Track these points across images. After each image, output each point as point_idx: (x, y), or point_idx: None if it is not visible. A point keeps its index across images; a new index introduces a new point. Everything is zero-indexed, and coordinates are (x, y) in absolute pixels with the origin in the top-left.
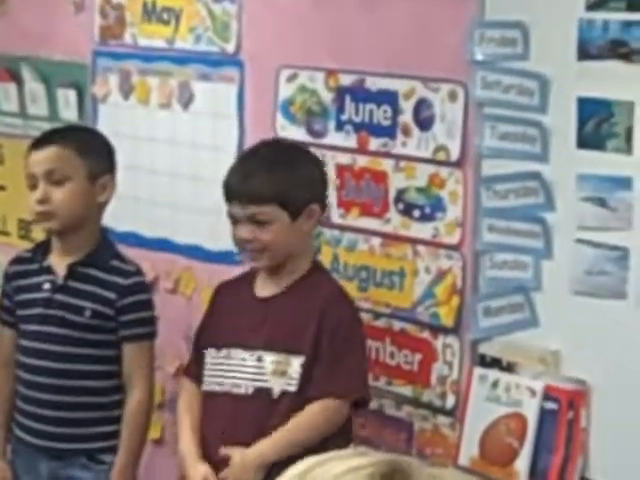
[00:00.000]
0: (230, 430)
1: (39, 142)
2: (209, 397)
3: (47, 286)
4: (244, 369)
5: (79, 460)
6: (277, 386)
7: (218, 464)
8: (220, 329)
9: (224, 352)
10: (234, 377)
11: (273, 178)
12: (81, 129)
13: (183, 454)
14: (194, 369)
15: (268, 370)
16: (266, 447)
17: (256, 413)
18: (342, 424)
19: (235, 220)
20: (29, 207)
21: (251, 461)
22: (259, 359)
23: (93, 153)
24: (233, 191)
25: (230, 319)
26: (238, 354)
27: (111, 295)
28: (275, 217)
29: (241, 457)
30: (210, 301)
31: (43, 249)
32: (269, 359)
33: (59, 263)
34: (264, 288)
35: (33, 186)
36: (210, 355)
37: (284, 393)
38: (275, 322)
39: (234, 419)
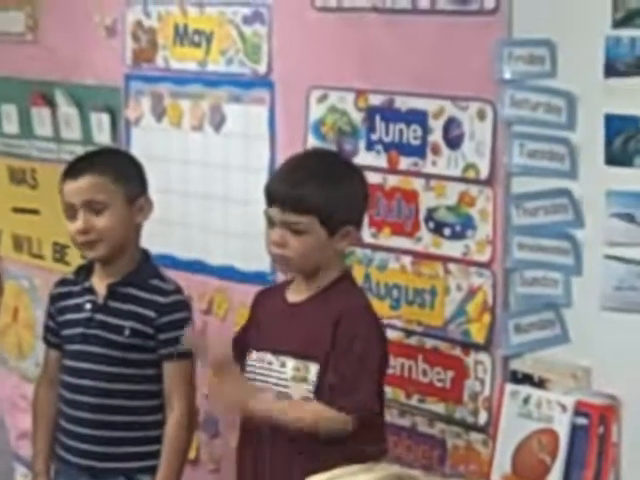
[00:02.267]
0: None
1: (74, 171)
2: None
3: (88, 306)
4: (270, 373)
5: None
6: (297, 392)
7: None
8: (255, 333)
9: (257, 355)
10: (261, 381)
11: (319, 192)
12: (112, 152)
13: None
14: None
15: (288, 376)
16: (264, 399)
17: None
18: (345, 436)
19: (271, 222)
20: (70, 236)
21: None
22: (282, 364)
23: (128, 177)
24: (277, 195)
25: (263, 324)
26: (267, 358)
27: (150, 313)
28: (311, 229)
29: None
30: (250, 308)
31: (86, 271)
32: (290, 365)
33: (100, 284)
34: (294, 293)
35: (72, 215)
36: (248, 358)
37: (304, 399)
38: (298, 327)
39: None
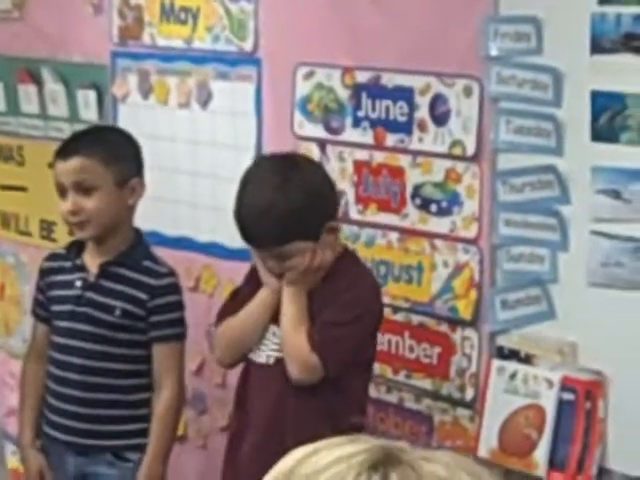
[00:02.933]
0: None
1: (64, 151)
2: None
3: (79, 283)
4: (266, 341)
5: (105, 457)
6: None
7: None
8: None
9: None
10: (261, 349)
11: (296, 221)
12: (107, 131)
13: None
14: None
15: None
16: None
17: (277, 382)
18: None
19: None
20: (61, 214)
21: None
22: (274, 334)
23: (119, 159)
24: (252, 240)
25: None
26: (270, 329)
27: (142, 295)
28: (299, 248)
29: None
30: (246, 277)
31: (77, 247)
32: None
33: (92, 262)
34: None
35: (62, 194)
36: None
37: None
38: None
39: (260, 385)
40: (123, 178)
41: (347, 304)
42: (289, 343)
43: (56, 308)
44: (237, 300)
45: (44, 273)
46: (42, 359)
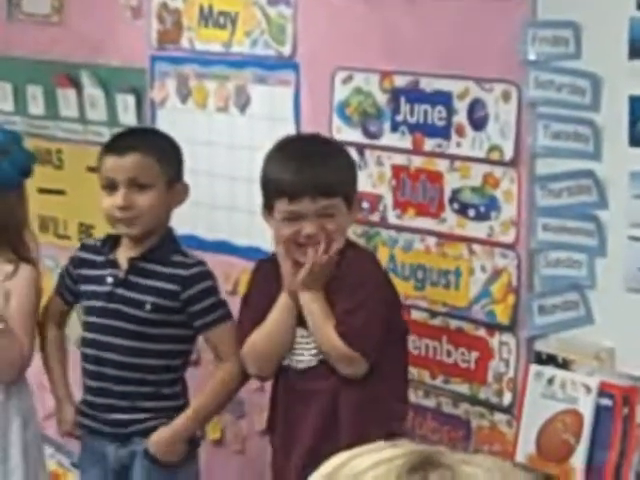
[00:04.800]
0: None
1: (119, 147)
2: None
3: (110, 280)
4: (305, 346)
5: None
6: None
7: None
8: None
9: None
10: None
11: (336, 170)
12: (156, 134)
13: None
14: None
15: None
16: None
17: (323, 381)
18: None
19: (294, 217)
20: (105, 210)
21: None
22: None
23: (170, 160)
24: (301, 187)
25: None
26: (299, 331)
27: (174, 287)
28: (340, 208)
29: None
30: (252, 277)
31: (112, 242)
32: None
33: (123, 257)
34: None
35: (111, 189)
36: None
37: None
38: None
39: (303, 393)
40: (172, 180)
41: (353, 287)
42: (325, 343)
43: (87, 303)
44: (252, 307)
45: (76, 263)
46: (61, 327)
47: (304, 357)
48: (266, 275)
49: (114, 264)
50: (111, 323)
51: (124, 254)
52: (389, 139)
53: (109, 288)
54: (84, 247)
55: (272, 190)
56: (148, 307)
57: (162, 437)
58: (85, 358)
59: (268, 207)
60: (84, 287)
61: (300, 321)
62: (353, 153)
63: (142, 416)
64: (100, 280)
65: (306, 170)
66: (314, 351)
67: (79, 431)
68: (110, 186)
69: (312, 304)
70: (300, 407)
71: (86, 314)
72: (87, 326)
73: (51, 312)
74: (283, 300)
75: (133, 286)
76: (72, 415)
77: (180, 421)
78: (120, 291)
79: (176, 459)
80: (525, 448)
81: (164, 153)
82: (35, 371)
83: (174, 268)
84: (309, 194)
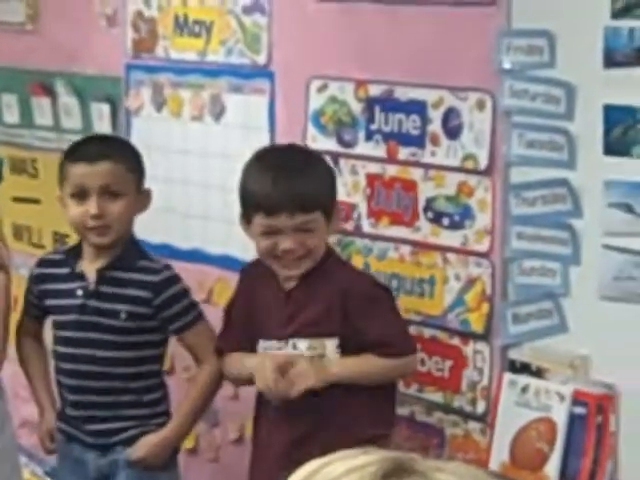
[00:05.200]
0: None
1: (90, 155)
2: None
3: (80, 292)
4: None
5: (123, 459)
6: None
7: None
8: (255, 322)
9: (261, 344)
10: None
11: (314, 182)
12: (122, 142)
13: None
14: (229, 342)
15: (306, 355)
16: (340, 362)
17: (304, 397)
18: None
19: (272, 231)
20: (74, 218)
21: (322, 367)
22: (294, 346)
23: (137, 167)
24: (277, 201)
25: (261, 313)
26: (274, 345)
27: (146, 294)
28: (319, 222)
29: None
30: (238, 285)
31: (75, 254)
32: (303, 345)
33: (90, 268)
34: (287, 280)
35: (81, 197)
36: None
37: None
38: (299, 309)
39: (285, 405)
40: (140, 186)
41: (363, 308)
42: (386, 374)
43: (58, 318)
44: (232, 319)
45: (36, 280)
46: (34, 338)
47: None
48: (250, 281)
49: (81, 277)
50: (86, 336)
51: (89, 265)
52: (364, 148)
53: (80, 301)
54: (42, 262)
55: (249, 203)
56: (123, 316)
57: (152, 443)
58: (62, 372)
59: (246, 218)
60: (50, 302)
61: (274, 335)
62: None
63: (124, 425)
64: (69, 294)
65: (283, 183)
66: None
67: (56, 441)
68: (80, 194)
69: (337, 376)
70: (275, 414)
71: (57, 328)
72: (60, 340)
73: (24, 330)
74: (259, 360)
75: (105, 296)
76: (53, 422)
77: (170, 427)
78: (92, 303)
79: (161, 465)
80: (499, 456)
81: (132, 160)
82: (9, 381)
83: (143, 274)
84: (286, 209)
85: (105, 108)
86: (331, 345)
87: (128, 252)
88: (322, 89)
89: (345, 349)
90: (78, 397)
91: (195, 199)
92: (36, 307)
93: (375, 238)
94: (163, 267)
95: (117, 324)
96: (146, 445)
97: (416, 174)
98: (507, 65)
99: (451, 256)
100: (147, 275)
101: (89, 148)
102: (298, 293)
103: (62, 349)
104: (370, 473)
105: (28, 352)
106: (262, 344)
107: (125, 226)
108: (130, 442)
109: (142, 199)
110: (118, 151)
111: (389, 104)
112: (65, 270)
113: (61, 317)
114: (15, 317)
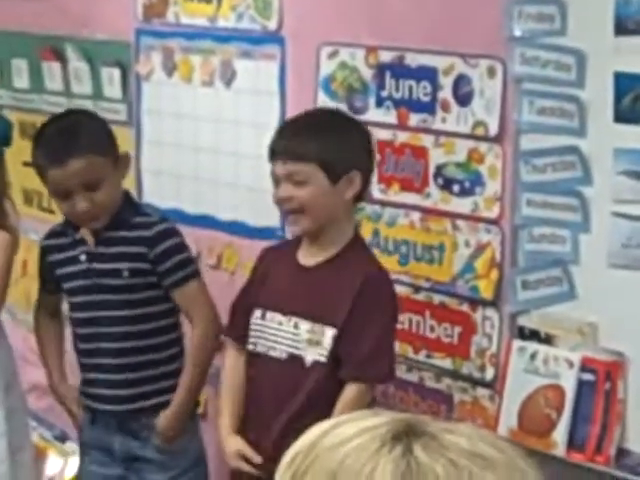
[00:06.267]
0: (267, 392)
1: (57, 157)
2: (249, 356)
3: (83, 257)
4: (280, 333)
5: (152, 441)
6: (310, 355)
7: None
8: (261, 291)
9: (261, 313)
10: (271, 341)
11: (315, 138)
12: (79, 121)
13: (219, 428)
14: (235, 330)
15: (303, 338)
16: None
17: (287, 379)
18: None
19: (276, 180)
20: (66, 212)
21: None
22: (295, 326)
23: (104, 142)
24: (277, 148)
25: (272, 283)
26: (275, 317)
27: (141, 249)
28: (313, 177)
29: None
30: (254, 265)
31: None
32: (304, 327)
33: (88, 232)
34: (307, 256)
35: (65, 196)
36: (253, 315)
37: (316, 363)
38: (314, 291)
39: (268, 381)
40: (115, 158)
41: (366, 313)
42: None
43: (68, 285)
44: (244, 295)
45: (45, 251)
46: (52, 316)
47: (279, 347)
48: (266, 265)
49: (82, 242)
50: (95, 298)
51: (88, 230)
52: (374, 114)
53: (85, 265)
54: (48, 235)
55: None
56: (126, 274)
57: (167, 419)
58: (78, 337)
59: None
60: (59, 271)
61: (279, 308)
62: None
63: (145, 389)
64: (74, 260)
65: (287, 133)
66: (290, 342)
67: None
68: (62, 194)
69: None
70: (262, 394)
71: (69, 295)
72: (73, 306)
73: (42, 306)
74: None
75: (106, 257)
76: (67, 389)
77: (177, 400)
78: (96, 265)
79: (180, 435)
80: (507, 422)
81: (96, 140)
82: (17, 345)
83: (137, 230)
84: (280, 157)
85: (115, 73)
86: (329, 335)
87: (123, 211)
88: (333, 55)
89: (337, 343)
90: (96, 360)
91: (205, 164)
92: (49, 281)
93: (385, 204)
94: (157, 221)
95: (121, 283)
96: (164, 425)
97: (426, 140)
98: (518, 32)
99: (461, 223)
100: (141, 230)
101: (54, 149)
102: (316, 273)
103: (75, 314)
104: (381, 434)
105: (45, 330)
106: (262, 313)
107: (114, 202)
108: (152, 410)
109: (121, 165)
110: (83, 138)
111: (400, 70)
112: (68, 239)
113: (70, 284)
114: (24, 282)
